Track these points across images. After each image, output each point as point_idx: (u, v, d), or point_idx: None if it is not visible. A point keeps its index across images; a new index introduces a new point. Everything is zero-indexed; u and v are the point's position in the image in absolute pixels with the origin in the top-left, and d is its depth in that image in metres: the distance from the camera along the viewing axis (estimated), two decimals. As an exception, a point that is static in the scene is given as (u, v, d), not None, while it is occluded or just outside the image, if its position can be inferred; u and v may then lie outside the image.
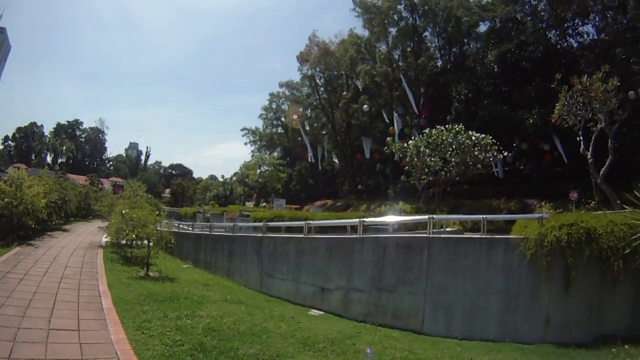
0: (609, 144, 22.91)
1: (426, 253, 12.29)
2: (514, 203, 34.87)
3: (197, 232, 27.14)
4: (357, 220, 15.36)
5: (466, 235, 14.63)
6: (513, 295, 11.11)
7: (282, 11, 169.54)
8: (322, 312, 13.94)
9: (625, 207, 15.78)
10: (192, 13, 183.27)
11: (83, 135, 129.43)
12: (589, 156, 23.21)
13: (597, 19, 40.94)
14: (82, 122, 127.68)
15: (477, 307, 11.47)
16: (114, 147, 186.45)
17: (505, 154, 35.12)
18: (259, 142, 78.72)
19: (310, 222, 18.05)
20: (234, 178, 69.82)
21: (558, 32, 44.12)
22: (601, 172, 22.72)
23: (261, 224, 20.88)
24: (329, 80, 60.43)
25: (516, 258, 11.02)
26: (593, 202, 24.11)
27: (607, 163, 22.75)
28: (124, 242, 20.09)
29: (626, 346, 9.30)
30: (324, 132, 63.49)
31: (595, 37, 42.34)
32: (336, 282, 14.40)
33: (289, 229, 19.62)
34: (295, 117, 43.61)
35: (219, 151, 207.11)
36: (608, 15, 37.90)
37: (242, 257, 19.59)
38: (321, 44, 54.11)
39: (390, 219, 20.23)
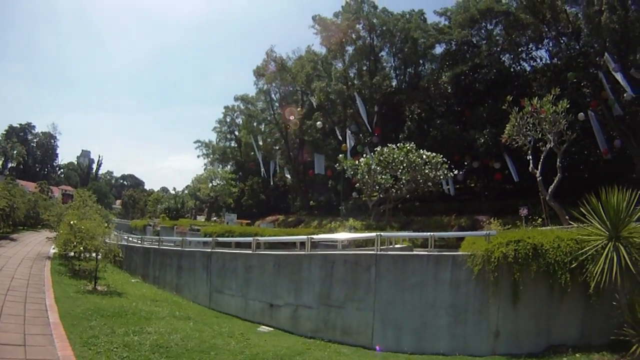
0: (558, 163, 23.83)
1: (374, 270, 12.46)
2: (465, 219, 35.42)
3: (147, 245, 26.55)
4: (305, 237, 15.56)
5: (415, 252, 14.98)
6: (462, 309, 11.31)
7: (241, 24, 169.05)
8: (271, 329, 13.93)
9: (572, 223, 16.40)
10: (151, 20, 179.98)
11: (35, 140, 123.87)
12: (537, 174, 24.19)
13: (551, 44, 42.89)
14: (34, 126, 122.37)
15: (426, 322, 11.63)
16: (66, 154, 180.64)
17: (456, 172, 36.15)
18: (212, 156, 77.82)
19: (259, 238, 18.20)
20: (186, 191, 68.62)
21: (512, 56, 46.12)
22: (549, 190, 23.63)
23: (211, 239, 20.71)
24: (284, 95, 60.44)
25: (464, 274, 11.25)
26: (540, 219, 24.97)
27: (555, 181, 23.68)
28: (72, 254, 19.51)
29: (577, 355, 9.69)
30: (277, 148, 63.26)
31: (548, 61, 44.64)
32: (285, 299, 14.42)
33: (238, 245, 19.67)
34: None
35: (171, 163, 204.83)
36: (562, 41, 39.54)
37: (191, 272, 19.32)
38: (278, 59, 54.03)
39: (339, 235, 20.63)
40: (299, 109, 55.46)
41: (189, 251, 20.68)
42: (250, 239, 17.88)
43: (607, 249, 9.29)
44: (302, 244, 15.60)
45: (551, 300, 10.63)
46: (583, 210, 10.11)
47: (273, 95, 62.78)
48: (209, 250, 18.55)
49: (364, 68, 49.74)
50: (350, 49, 50.18)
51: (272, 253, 16.02)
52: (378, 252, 12.91)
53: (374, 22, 47.85)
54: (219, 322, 13.73)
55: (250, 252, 16.54)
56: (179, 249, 21.72)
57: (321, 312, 13.31)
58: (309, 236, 15.47)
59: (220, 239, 21.32)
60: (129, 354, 8.24)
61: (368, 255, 12.91)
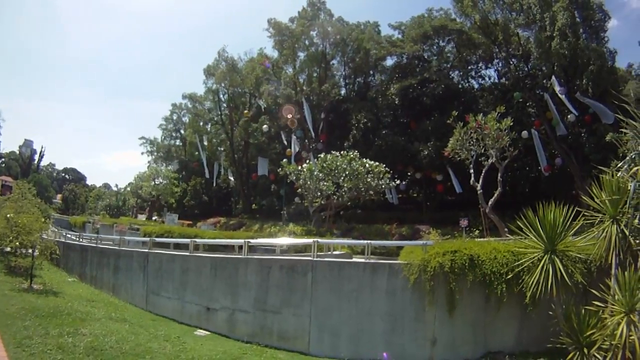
0: (499, 177, 24.68)
1: (310, 276, 12.50)
2: (406, 228, 35.97)
3: (84, 243, 25.90)
4: (243, 240, 15.47)
5: (352, 259, 15.06)
6: (398, 317, 11.46)
7: (198, 21, 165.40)
8: (208, 332, 13.85)
9: (508, 235, 17.03)
10: (107, 9, 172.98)
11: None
12: (478, 187, 24.91)
13: (500, 65, 44.88)
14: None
15: (362, 329, 11.72)
16: (8, 142, 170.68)
17: (398, 182, 36.72)
18: (156, 153, 76.27)
19: (197, 240, 18.02)
20: (128, 189, 66.70)
21: (461, 73, 47.99)
22: (489, 203, 24.41)
23: (148, 239, 20.31)
24: (232, 96, 59.87)
25: (400, 282, 11.38)
26: (477, 231, 25.75)
27: (495, 194, 24.50)
28: (7, 249, 18.94)
29: (514, 361, 9.99)
30: (221, 149, 62.34)
31: (496, 80, 46.82)
32: (221, 302, 14.34)
33: (177, 246, 19.36)
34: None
35: (115, 158, 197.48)
36: (511, 62, 41.09)
37: (128, 273, 18.88)
38: (229, 59, 53.54)
39: (277, 240, 20.56)
40: (245, 111, 55.23)
41: (127, 251, 20.14)
42: (188, 240, 17.61)
43: (543, 261, 9.59)
44: (241, 247, 15.50)
45: (488, 309, 10.97)
46: (520, 224, 10.33)
47: (221, 96, 62.13)
48: (146, 250, 18.20)
49: (314, 75, 50.15)
50: (302, 55, 50.62)
51: (209, 256, 15.95)
52: (314, 259, 12.93)
53: (329, 30, 48.20)
54: (155, 325, 13.64)
55: (188, 253, 16.32)
56: (117, 248, 21.10)
57: (258, 317, 13.30)
58: (246, 240, 15.39)
59: (158, 239, 21.00)
60: (63, 357, 8.16)
61: (304, 261, 12.94)
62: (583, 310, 9.42)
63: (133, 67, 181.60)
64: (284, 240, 21.09)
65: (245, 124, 54.61)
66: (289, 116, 42.55)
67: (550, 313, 9.84)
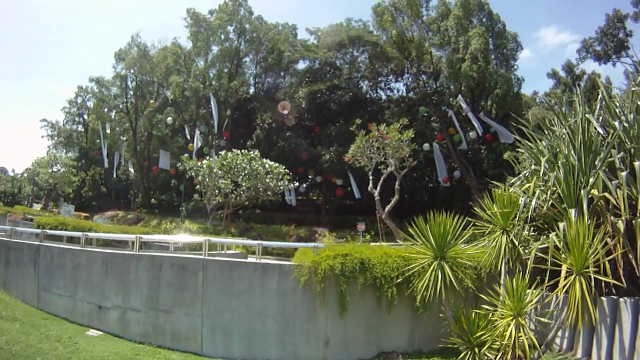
0: (397, 185, 25.77)
1: (201, 275, 12.44)
2: (304, 230, 36.81)
3: (-30, 234, 24.39)
4: (135, 236, 15.07)
5: (244, 260, 14.95)
6: (290, 318, 11.70)
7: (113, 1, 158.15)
8: (101, 332, 13.49)
9: (398, 241, 17.91)
10: None
11: None
12: (376, 194, 25.84)
13: (410, 79, 47.32)
14: None
15: (255, 330, 11.87)
16: None
17: (297, 184, 37.86)
18: (57, 138, 71.87)
19: (89, 233, 17.30)
20: (25, 174, 62.87)
21: (371, 84, 50.04)
22: (386, 209, 25.47)
23: (40, 230, 18.96)
24: (140, 84, 58.08)
25: (291, 283, 11.56)
26: (369, 235, 26.79)
27: (392, 201, 25.58)
28: None
29: (407, 361, 10.63)
30: (124, 138, 60.21)
31: (404, 94, 49.00)
32: (113, 301, 13.95)
33: (71, 240, 18.18)
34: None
35: (16, 141, 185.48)
36: (420, 78, 43.03)
37: (19, 267, 17.70)
38: (142, 45, 51.96)
39: (171, 237, 20.48)
40: (152, 101, 53.98)
41: (18, 243, 18.69)
42: (80, 233, 16.62)
43: (432, 267, 10.30)
44: (134, 243, 14.98)
45: (379, 311, 11.39)
46: (411, 231, 11.05)
47: (129, 83, 59.43)
48: (37, 243, 17.14)
49: (225, 70, 49.81)
50: (215, 49, 50.09)
51: (101, 251, 15.42)
52: (206, 257, 12.90)
53: (246, 27, 48.54)
54: (47, 325, 13.21)
55: (80, 248, 15.61)
56: (7, 239, 19.47)
57: (150, 316, 13.07)
58: (138, 236, 14.97)
59: (50, 231, 19.64)
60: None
61: (196, 260, 12.92)
62: (473, 313, 10.18)
63: (41, 45, 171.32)
64: (178, 238, 21.02)
65: (150, 115, 53.04)
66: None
67: (441, 315, 10.68)
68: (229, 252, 17.47)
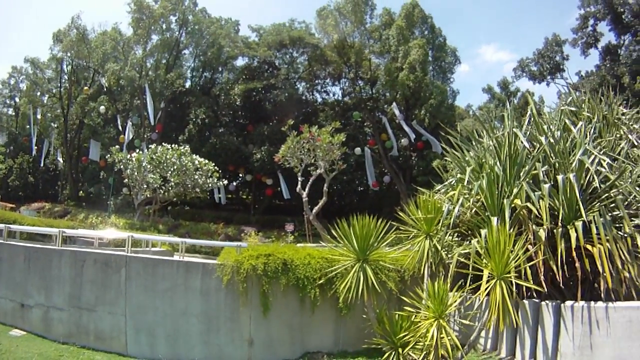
0: (325, 187, 25.65)
1: (124, 272, 11.92)
2: (232, 229, 36.66)
3: None
4: (57, 230, 14.40)
5: (168, 257, 14.57)
6: (214, 317, 11.38)
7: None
8: (24, 332, 12.53)
9: (323, 242, 17.55)
10: None
11: None
12: (304, 195, 25.62)
13: (347, 84, 47.33)
14: None
15: (179, 329, 11.50)
16: None
17: (227, 182, 37.56)
18: (-16, 122, 67.53)
19: (12, 226, 16.31)
20: None
21: (308, 85, 50.12)
22: (314, 210, 25.30)
23: None
24: (76, 69, 55.26)
25: (214, 282, 11.29)
26: (292, 237, 26.81)
27: (320, 202, 25.35)
28: None
29: (332, 360, 10.56)
30: (55, 125, 57.79)
31: (340, 98, 49.19)
32: (36, 298, 13.00)
33: None
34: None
35: None
36: (357, 84, 43.59)
37: None
38: (81, 28, 49.41)
39: (96, 232, 20.03)
40: (86, 87, 51.95)
41: None
42: (2, 226, 15.45)
43: (354, 269, 10.23)
44: (57, 237, 14.23)
45: (303, 312, 11.25)
46: (334, 233, 10.89)
47: (65, 66, 56.37)
48: None
49: (163, 61, 48.58)
50: (155, 38, 48.78)
51: (23, 245, 14.40)
52: (128, 254, 12.44)
53: (189, 19, 47.91)
54: (-32, 325, 12.30)
55: (1, 241, 14.53)
56: None
57: (73, 315, 12.33)
58: (61, 230, 14.32)
59: None
60: None
61: (118, 257, 12.32)
62: (397, 315, 10.20)
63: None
64: (103, 233, 20.37)
65: (83, 102, 51.12)
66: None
67: (365, 316, 10.64)
68: (154, 249, 17.28)
